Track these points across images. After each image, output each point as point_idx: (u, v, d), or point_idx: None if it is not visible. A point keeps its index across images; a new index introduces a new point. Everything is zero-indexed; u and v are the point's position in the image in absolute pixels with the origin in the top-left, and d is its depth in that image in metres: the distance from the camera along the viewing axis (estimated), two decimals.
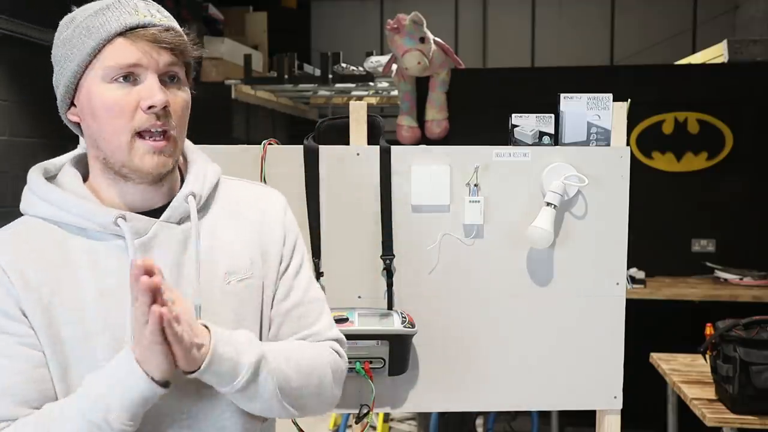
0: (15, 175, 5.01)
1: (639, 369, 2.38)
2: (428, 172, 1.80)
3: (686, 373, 2.61)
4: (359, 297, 1.81)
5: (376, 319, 1.73)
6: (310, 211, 1.76)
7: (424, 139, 4.06)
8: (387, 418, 4.15)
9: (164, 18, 1.11)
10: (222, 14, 6.59)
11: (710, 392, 2.37)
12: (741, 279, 3.81)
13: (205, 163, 1.23)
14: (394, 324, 1.73)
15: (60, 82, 1.13)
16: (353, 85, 6.08)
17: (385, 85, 6.02)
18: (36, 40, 5.06)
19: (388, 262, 1.80)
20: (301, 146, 1.79)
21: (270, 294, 1.23)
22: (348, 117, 1.83)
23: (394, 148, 1.80)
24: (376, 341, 1.72)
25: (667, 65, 5.03)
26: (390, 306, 1.81)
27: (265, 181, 1.74)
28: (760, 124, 4.02)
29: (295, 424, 1.65)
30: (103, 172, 1.14)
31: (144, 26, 1.08)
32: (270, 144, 1.77)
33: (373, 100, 6.38)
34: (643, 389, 2.54)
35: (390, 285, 1.80)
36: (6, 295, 1.08)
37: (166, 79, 1.10)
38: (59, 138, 5.73)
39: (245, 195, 1.26)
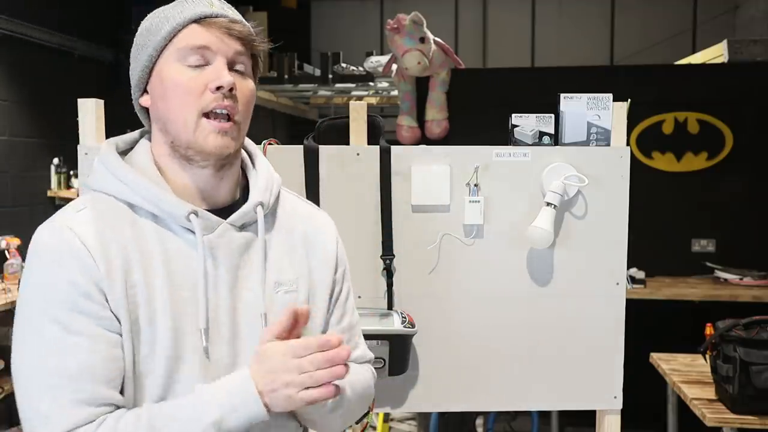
0: (15, 175, 5.01)
1: (639, 369, 2.38)
2: (428, 172, 1.80)
3: (686, 373, 2.61)
4: (359, 297, 1.81)
5: (376, 319, 1.73)
6: None
7: (424, 139, 4.06)
8: (387, 418, 4.15)
9: (236, 14, 1.19)
10: None
11: (710, 392, 2.37)
12: (741, 279, 3.81)
13: (271, 172, 1.28)
14: (394, 324, 1.73)
15: (136, 68, 1.18)
16: (353, 85, 6.08)
17: (385, 85, 6.02)
18: (36, 40, 5.06)
19: (388, 262, 1.80)
20: (301, 146, 1.79)
21: (320, 315, 1.28)
22: (348, 117, 1.83)
23: (394, 148, 1.80)
24: (376, 341, 1.71)
25: (667, 65, 5.03)
26: (390, 306, 1.81)
27: None
28: (760, 124, 4.02)
29: None
30: (171, 157, 1.17)
31: (216, 16, 1.15)
32: (270, 144, 1.77)
33: (373, 100, 6.37)
34: (643, 389, 2.54)
35: (390, 285, 1.81)
36: (87, 276, 1.08)
37: (234, 68, 1.16)
38: (59, 138, 5.76)
39: (299, 211, 1.31)
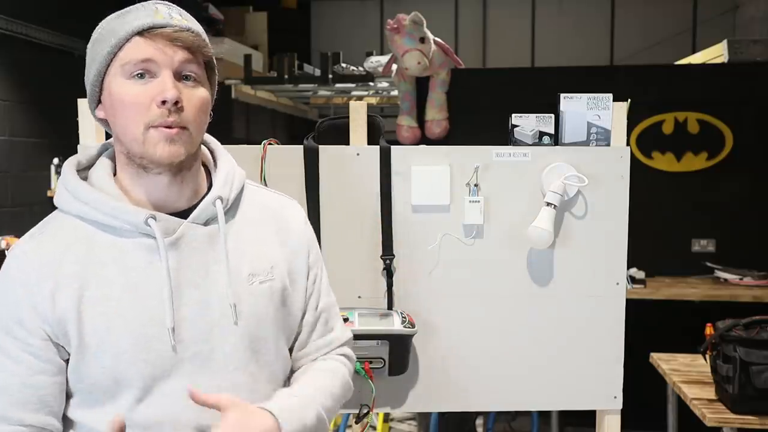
0: (15, 175, 5.01)
1: (639, 369, 2.38)
2: (428, 172, 1.80)
3: (686, 373, 2.61)
4: (359, 297, 1.81)
5: (376, 319, 1.73)
6: (310, 211, 1.76)
7: (424, 139, 4.06)
8: (387, 418, 4.14)
9: (183, 20, 1.17)
10: (222, 14, 6.58)
11: (710, 392, 2.37)
12: (741, 279, 3.81)
13: (233, 167, 1.29)
14: (394, 324, 1.73)
15: (88, 81, 1.19)
16: (353, 85, 6.08)
17: (385, 85, 6.02)
18: (36, 40, 5.06)
19: (388, 262, 1.80)
20: (301, 146, 1.80)
21: (300, 300, 1.31)
22: (348, 117, 1.83)
23: (394, 148, 1.80)
24: (376, 341, 1.72)
25: (667, 65, 5.02)
26: (390, 306, 1.81)
27: (265, 181, 1.74)
28: (760, 124, 4.02)
29: None
30: (128, 166, 1.19)
31: (161, 26, 1.13)
32: (270, 144, 1.77)
33: (373, 100, 6.37)
34: (643, 389, 2.54)
35: (390, 285, 1.81)
36: (27, 302, 1.14)
37: (183, 78, 1.15)
38: (59, 138, 5.76)
39: (267, 202, 1.33)
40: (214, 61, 1.23)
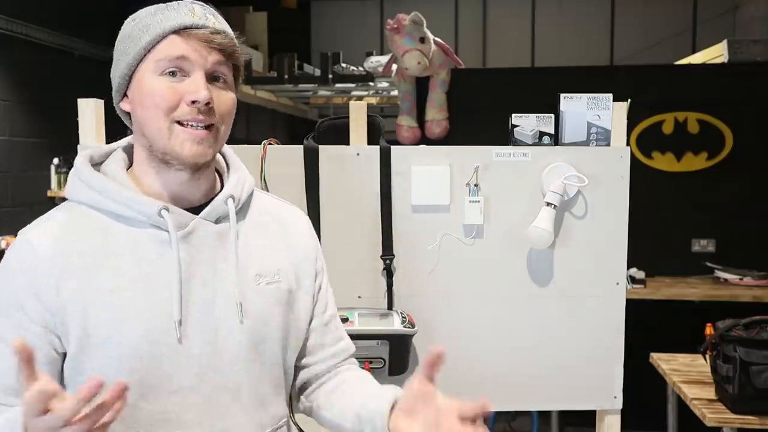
0: (15, 175, 5.01)
1: (639, 369, 2.38)
2: (428, 172, 1.80)
3: (686, 373, 2.61)
4: (359, 297, 1.82)
5: (376, 319, 1.73)
6: (310, 211, 1.77)
7: (424, 139, 4.06)
8: None
9: (218, 22, 1.19)
10: (222, 14, 6.58)
11: (710, 392, 2.37)
12: (741, 279, 3.81)
13: (244, 172, 1.31)
14: (394, 324, 1.73)
15: (116, 74, 1.20)
16: (353, 85, 6.08)
17: (385, 85, 6.02)
18: (36, 40, 5.06)
19: (388, 262, 1.80)
20: (301, 146, 1.80)
21: (307, 305, 1.31)
22: (348, 117, 1.84)
23: (394, 148, 1.80)
24: (376, 341, 1.72)
25: (667, 65, 5.02)
26: (390, 306, 1.81)
27: (265, 181, 1.74)
28: (760, 124, 4.03)
29: (296, 424, 1.64)
30: (149, 161, 1.19)
31: (198, 27, 1.15)
32: (270, 144, 1.77)
33: (373, 100, 6.38)
34: (643, 389, 2.54)
35: (390, 285, 1.81)
36: (30, 289, 1.13)
37: (213, 79, 1.17)
38: (59, 138, 5.75)
39: (275, 209, 1.34)
40: (241, 67, 1.23)
